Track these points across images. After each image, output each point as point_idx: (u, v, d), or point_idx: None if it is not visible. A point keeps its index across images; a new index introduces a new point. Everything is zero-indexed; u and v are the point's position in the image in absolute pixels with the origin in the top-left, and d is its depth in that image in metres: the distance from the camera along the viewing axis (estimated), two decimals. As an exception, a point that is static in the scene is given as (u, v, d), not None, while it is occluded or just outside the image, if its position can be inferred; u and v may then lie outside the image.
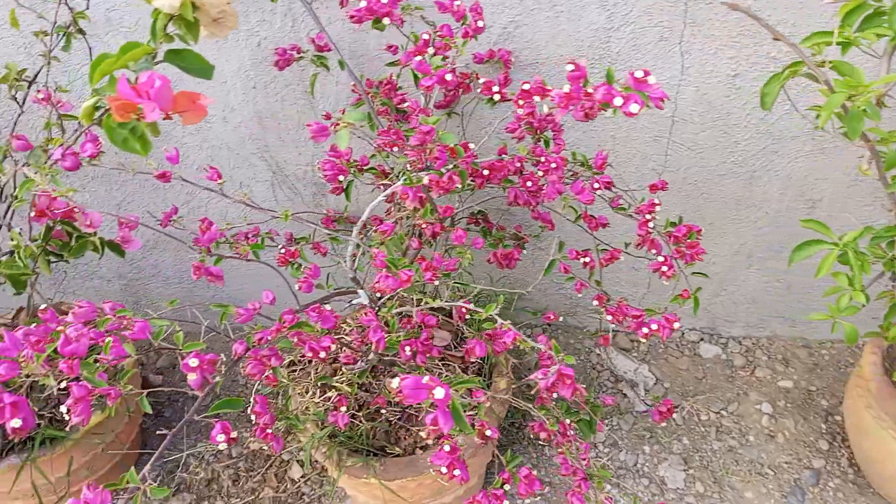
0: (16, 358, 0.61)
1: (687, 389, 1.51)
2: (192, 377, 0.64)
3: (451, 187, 0.79)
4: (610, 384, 1.59)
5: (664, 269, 0.96)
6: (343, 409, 1.02)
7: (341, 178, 1.04)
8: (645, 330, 0.88)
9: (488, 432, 0.91)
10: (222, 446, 0.71)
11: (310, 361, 1.36)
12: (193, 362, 0.63)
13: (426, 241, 1.06)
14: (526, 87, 0.78)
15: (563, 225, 1.27)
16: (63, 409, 0.65)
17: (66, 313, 0.99)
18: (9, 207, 1.23)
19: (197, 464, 1.53)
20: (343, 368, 1.17)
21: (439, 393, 0.53)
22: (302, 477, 1.49)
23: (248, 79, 1.36)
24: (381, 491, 1.18)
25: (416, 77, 1.20)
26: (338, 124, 0.72)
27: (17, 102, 1.26)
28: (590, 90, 0.61)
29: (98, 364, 0.62)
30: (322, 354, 0.83)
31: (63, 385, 0.74)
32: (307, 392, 1.26)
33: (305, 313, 0.84)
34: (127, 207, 1.56)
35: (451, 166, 0.83)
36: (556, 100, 0.63)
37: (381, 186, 1.30)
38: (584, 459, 0.95)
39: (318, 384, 1.24)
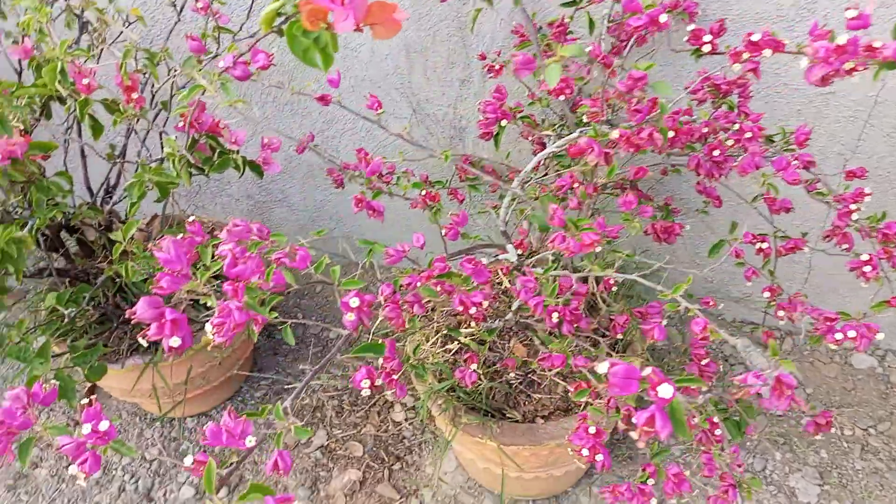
0: (180, 272, 0.58)
1: (832, 399, 1.37)
2: (349, 318, 0.59)
3: (646, 145, 0.69)
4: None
5: (866, 269, 0.82)
6: (473, 366, 0.96)
7: (504, 122, 0.96)
8: (838, 336, 0.76)
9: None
10: (365, 392, 0.66)
11: (432, 309, 1.31)
12: (354, 302, 0.58)
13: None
14: (755, 38, 0.65)
15: (725, 204, 1.14)
16: (207, 328, 0.61)
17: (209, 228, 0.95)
18: (157, 114, 1.23)
19: (305, 391, 1.53)
20: (472, 323, 1.11)
21: (665, 391, 0.45)
22: (405, 420, 1.47)
23: (404, 8, 1.28)
24: (493, 453, 1.14)
25: (591, 23, 1.09)
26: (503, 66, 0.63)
27: (176, 10, 1.24)
28: (876, 45, 0.50)
29: (259, 291, 0.58)
30: (473, 311, 0.76)
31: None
32: (427, 341, 1.21)
33: (460, 264, 0.77)
34: (262, 130, 1.55)
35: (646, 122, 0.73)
36: (818, 53, 0.52)
37: (532, 138, 1.21)
38: (738, 466, 0.86)
39: (441, 334, 1.19)
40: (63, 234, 1.23)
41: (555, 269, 0.83)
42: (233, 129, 1.15)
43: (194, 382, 1.35)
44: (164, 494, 1.35)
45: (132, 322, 1.32)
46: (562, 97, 0.99)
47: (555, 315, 0.87)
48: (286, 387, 1.55)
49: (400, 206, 1.53)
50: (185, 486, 1.36)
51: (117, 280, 1.21)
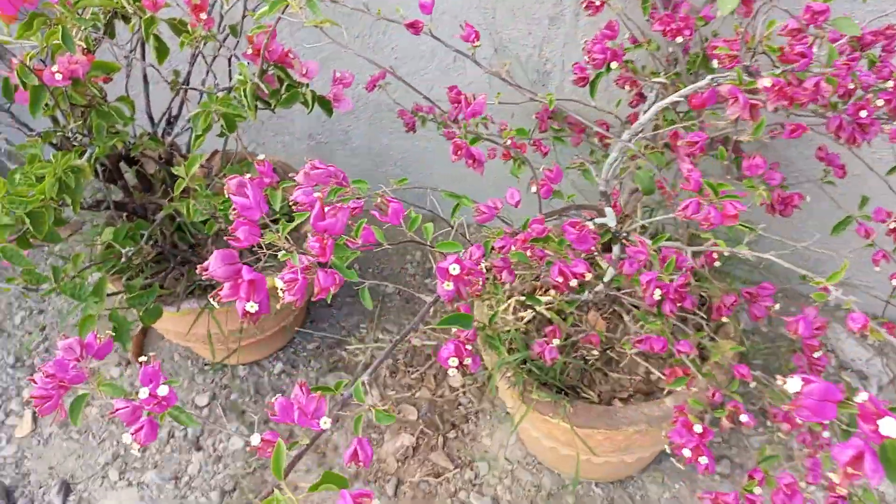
0: (261, 221, 0.49)
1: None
2: (446, 287, 0.50)
3: (807, 99, 0.57)
4: (832, 369, 1.34)
5: None
6: (556, 341, 0.87)
7: (613, 64, 0.83)
8: None
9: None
10: (452, 372, 0.57)
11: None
12: (454, 269, 0.49)
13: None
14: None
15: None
16: (279, 283, 0.52)
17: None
18: (225, 38, 1.14)
19: (357, 345, 1.47)
20: (551, 292, 1.01)
21: (889, 427, 0.34)
22: (462, 386, 1.40)
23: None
24: (562, 433, 1.05)
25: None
26: None
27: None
28: None
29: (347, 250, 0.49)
30: (573, 283, 0.66)
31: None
32: (498, 306, 1.12)
33: (562, 227, 0.67)
34: (331, 64, 1.45)
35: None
36: None
37: (631, 85, 1.08)
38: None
39: (514, 300, 1.10)
40: (122, 166, 1.17)
41: (663, 240, 0.72)
42: (303, 59, 1.06)
43: (248, 331, 1.29)
44: (213, 444, 1.31)
45: (190, 262, 1.27)
46: (679, 39, 0.86)
47: (657, 292, 0.77)
48: (340, 338, 1.48)
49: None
50: (234, 437, 1.32)
51: (176, 218, 1.15)
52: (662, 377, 1.04)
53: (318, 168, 0.57)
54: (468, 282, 0.51)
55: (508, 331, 1.07)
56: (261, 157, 0.73)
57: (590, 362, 1.06)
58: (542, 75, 1.32)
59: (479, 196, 0.78)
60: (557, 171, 0.83)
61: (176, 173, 0.93)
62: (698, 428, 0.70)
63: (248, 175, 0.72)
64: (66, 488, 1.25)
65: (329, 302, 1.55)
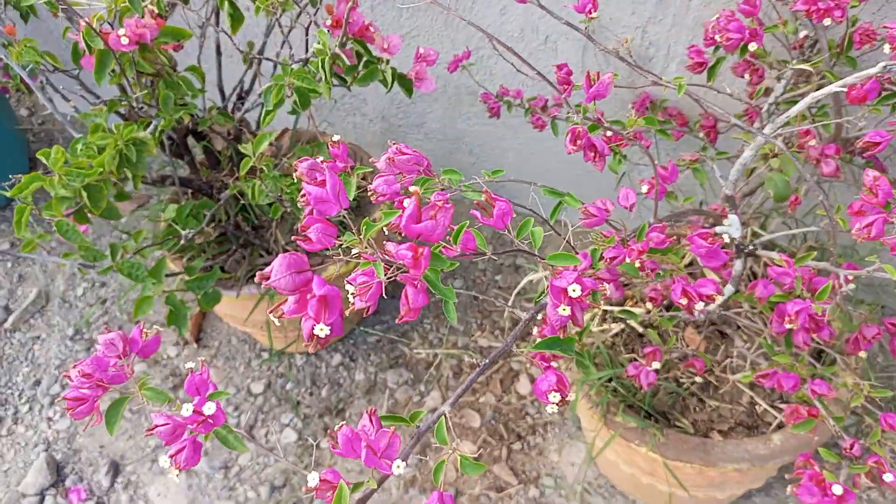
0: (338, 217, 0.40)
1: None
2: (562, 312, 0.40)
3: None
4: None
5: None
6: (655, 364, 0.75)
7: (753, 45, 0.71)
8: None
9: None
10: (551, 409, 0.47)
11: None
12: (575, 290, 0.38)
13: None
14: None
15: None
16: (349, 289, 0.43)
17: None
18: (302, 9, 1.06)
19: (421, 342, 1.39)
20: (647, 304, 0.90)
21: None
22: (531, 393, 1.30)
23: None
24: (646, 461, 0.94)
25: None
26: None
27: None
28: None
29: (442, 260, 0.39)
30: (700, 305, 0.55)
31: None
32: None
33: (689, 239, 0.56)
34: (411, 42, 1.35)
35: None
36: None
37: (752, 74, 0.94)
38: None
39: (601, 311, 0.98)
40: (189, 141, 1.11)
41: (809, 258, 0.59)
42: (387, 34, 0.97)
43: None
44: (266, 434, 1.25)
45: (252, 245, 1.21)
46: (826, 21, 0.73)
47: (794, 309, 0.64)
48: (402, 333, 1.40)
49: (553, 147, 1.31)
50: (287, 429, 1.26)
51: (241, 199, 1.08)
52: (771, 410, 0.91)
53: (404, 154, 0.48)
54: (586, 304, 0.41)
55: (592, 343, 0.96)
56: (336, 137, 0.64)
57: (684, 386, 0.94)
58: (644, 60, 1.19)
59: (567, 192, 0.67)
60: (673, 169, 0.72)
61: (243, 151, 0.85)
62: (837, 489, 0.57)
63: (321, 158, 0.63)
64: (115, 469, 1.22)
65: (394, 293, 1.47)
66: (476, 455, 1.22)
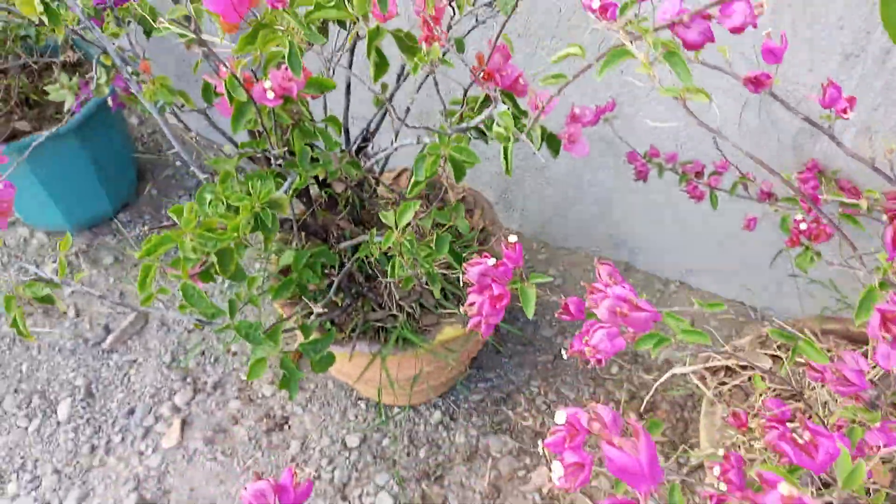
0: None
1: None
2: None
3: None
4: None
5: None
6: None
7: None
8: None
9: None
10: None
11: (743, 367, 0.97)
12: None
13: None
14: None
15: None
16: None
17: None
18: (445, 52, 0.97)
19: (527, 407, 1.28)
20: (837, 401, 0.76)
21: None
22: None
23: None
24: None
25: None
26: None
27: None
28: None
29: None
30: None
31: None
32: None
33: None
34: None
35: None
36: None
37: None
38: None
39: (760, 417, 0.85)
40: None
41: None
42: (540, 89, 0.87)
43: (418, 380, 1.14)
44: (360, 496, 1.18)
45: (364, 297, 1.13)
46: None
47: None
48: (507, 394, 1.30)
49: (691, 208, 1.17)
50: (382, 492, 1.18)
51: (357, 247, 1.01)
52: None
53: (641, 310, 0.38)
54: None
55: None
56: (513, 238, 0.54)
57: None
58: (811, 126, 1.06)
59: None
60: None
61: (384, 221, 0.77)
62: None
63: (492, 261, 0.55)
64: (206, 516, 1.17)
65: (498, 348, 1.38)
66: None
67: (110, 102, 1.20)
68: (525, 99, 0.89)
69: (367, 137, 1.07)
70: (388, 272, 0.77)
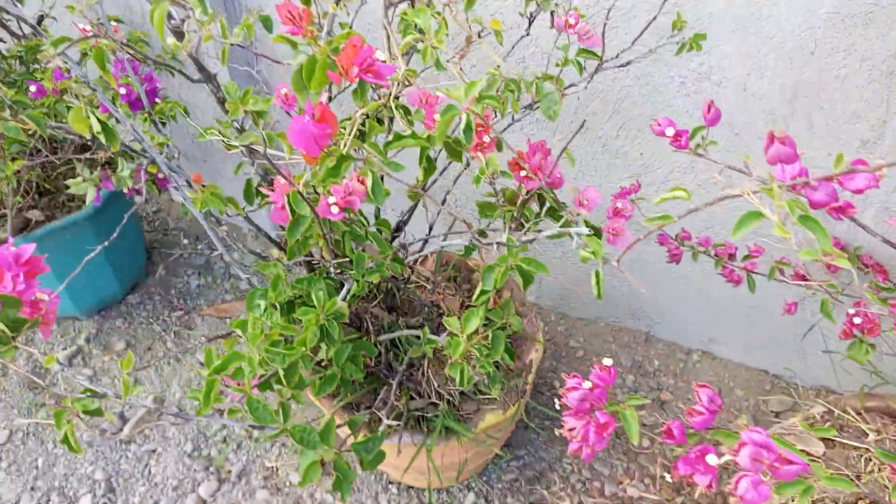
0: None
1: None
2: None
3: None
4: None
5: None
6: None
7: None
8: None
9: None
10: None
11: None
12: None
13: None
14: None
15: None
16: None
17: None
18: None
19: (562, 485, 1.27)
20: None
21: None
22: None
23: (819, 37, 0.95)
24: None
25: None
26: None
27: (526, 18, 1.01)
28: None
29: None
30: None
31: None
32: None
33: None
34: (577, 177, 1.29)
35: None
36: None
37: None
38: None
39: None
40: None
41: None
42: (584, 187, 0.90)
43: (457, 467, 1.13)
44: (402, 589, 1.15)
45: (403, 385, 1.13)
46: None
47: None
48: (541, 471, 1.29)
49: (725, 288, 1.19)
50: (424, 584, 1.15)
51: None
52: None
53: (791, 463, 0.39)
54: None
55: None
56: (608, 361, 0.56)
57: None
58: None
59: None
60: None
61: (448, 327, 0.78)
62: None
63: (588, 386, 0.56)
64: None
65: (527, 424, 1.37)
66: None
67: (125, 189, 1.21)
68: (560, 190, 0.92)
69: (399, 227, 1.09)
70: (458, 381, 0.77)
